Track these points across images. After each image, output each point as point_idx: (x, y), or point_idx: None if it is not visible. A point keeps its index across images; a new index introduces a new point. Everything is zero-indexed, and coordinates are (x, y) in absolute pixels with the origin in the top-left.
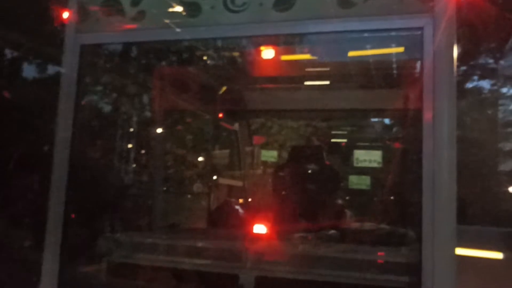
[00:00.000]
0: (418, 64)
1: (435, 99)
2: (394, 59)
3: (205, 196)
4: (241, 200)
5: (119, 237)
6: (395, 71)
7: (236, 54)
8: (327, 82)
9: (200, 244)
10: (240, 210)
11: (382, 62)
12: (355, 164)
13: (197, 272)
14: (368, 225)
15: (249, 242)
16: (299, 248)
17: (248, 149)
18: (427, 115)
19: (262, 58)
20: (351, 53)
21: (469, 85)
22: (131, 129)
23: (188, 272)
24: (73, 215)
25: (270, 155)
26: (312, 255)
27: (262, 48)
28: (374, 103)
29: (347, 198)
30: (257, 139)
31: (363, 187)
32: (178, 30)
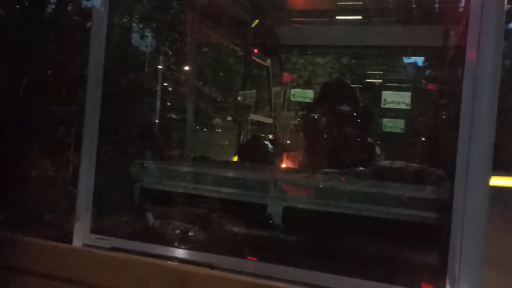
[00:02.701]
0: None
1: (481, 36)
2: None
3: (236, 131)
4: (270, 136)
5: (151, 164)
6: (436, 5)
7: None
8: (361, 17)
9: (229, 174)
10: (270, 145)
11: None
12: (382, 105)
13: (226, 200)
14: (397, 163)
15: (277, 174)
16: (325, 183)
17: (279, 85)
18: (470, 54)
19: None
20: None
21: None
22: (163, 64)
23: (217, 200)
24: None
25: (301, 95)
26: (338, 189)
27: None
28: (410, 40)
29: (380, 138)
30: (286, 77)
31: (397, 130)
32: None
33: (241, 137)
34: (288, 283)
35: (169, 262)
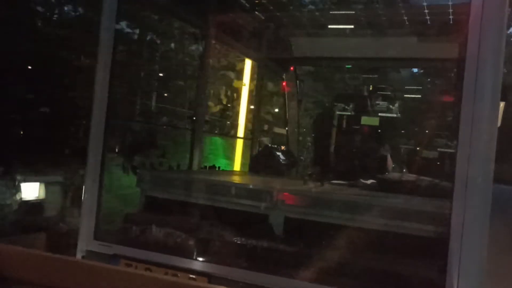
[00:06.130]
0: (463, 9)
1: (480, 47)
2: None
3: (247, 141)
4: (283, 147)
5: (156, 173)
6: (435, 16)
7: None
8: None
9: (234, 185)
10: (281, 156)
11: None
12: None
13: (229, 210)
14: (407, 176)
15: (283, 185)
16: (332, 194)
17: (293, 98)
18: (470, 66)
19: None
20: None
21: None
22: (177, 71)
23: (220, 209)
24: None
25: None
26: (345, 201)
27: None
28: (406, 52)
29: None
30: (285, 85)
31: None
32: None
33: (253, 148)
34: None
35: (172, 278)
